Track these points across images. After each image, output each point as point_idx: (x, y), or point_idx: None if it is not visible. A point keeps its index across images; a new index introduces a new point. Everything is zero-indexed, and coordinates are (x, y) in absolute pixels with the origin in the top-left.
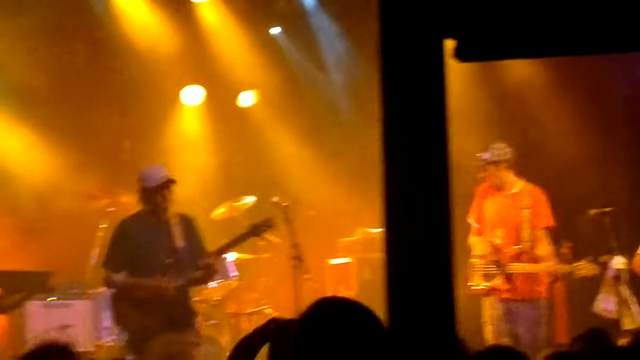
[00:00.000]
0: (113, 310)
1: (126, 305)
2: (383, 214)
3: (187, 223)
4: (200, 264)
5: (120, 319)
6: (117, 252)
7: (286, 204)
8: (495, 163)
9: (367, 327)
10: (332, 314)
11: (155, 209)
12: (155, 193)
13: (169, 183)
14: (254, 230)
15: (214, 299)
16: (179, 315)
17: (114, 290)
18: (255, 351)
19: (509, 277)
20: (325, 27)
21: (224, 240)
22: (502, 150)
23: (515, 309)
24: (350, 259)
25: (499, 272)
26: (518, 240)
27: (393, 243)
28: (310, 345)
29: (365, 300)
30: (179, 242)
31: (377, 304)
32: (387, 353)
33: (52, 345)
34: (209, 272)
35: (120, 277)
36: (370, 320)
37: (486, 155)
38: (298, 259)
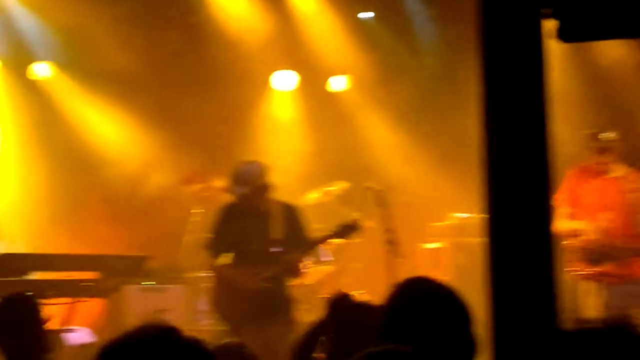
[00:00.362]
0: (210, 296)
1: (222, 292)
2: (484, 198)
3: (290, 213)
4: (283, 260)
5: (217, 305)
6: (218, 237)
7: (380, 188)
8: (617, 145)
9: (453, 308)
10: (419, 294)
11: (251, 205)
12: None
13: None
14: (341, 231)
15: (308, 283)
16: (273, 304)
17: (212, 275)
18: (316, 341)
19: (623, 261)
20: (418, 11)
21: (316, 226)
22: (615, 132)
23: (627, 292)
24: (443, 243)
25: (612, 255)
26: (628, 224)
27: (494, 227)
28: (397, 325)
29: (460, 286)
30: (277, 233)
31: (472, 289)
32: (471, 333)
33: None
34: (293, 269)
35: (217, 263)
36: (456, 301)
37: (611, 136)
38: (392, 243)
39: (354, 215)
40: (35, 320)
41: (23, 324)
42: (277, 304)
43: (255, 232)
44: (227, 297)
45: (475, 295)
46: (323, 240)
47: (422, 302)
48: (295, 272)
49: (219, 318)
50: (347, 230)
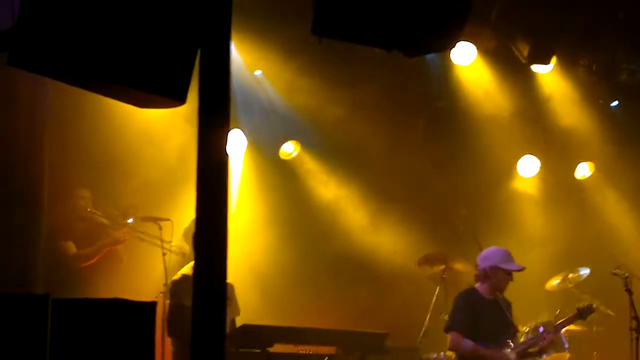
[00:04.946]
0: None
1: None
2: None
3: (508, 305)
4: (542, 337)
5: None
6: (464, 319)
7: (627, 275)
8: None
9: None
10: None
11: (497, 288)
12: (506, 276)
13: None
14: (580, 314)
15: None
16: None
17: (462, 353)
18: None
19: None
20: None
21: (556, 312)
22: None
23: None
24: None
25: None
26: None
27: None
28: None
29: None
30: (510, 317)
31: None
32: None
33: None
34: (548, 346)
35: (469, 342)
36: None
37: None
38: (637, 331)
39: (594, 301)
40: None
41: None
42: None
43: (496, 317)
44: None
45: None
46: (566, 322)
47: None
48: (548, 350)
49: None
50: (586, 313)
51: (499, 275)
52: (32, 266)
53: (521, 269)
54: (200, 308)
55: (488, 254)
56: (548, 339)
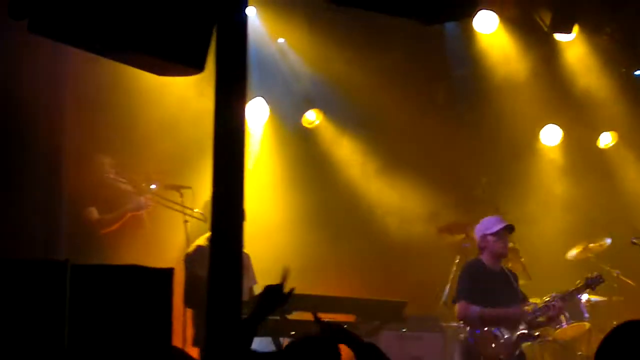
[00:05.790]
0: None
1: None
2: None
3: (514, 276)
4: (551, 306)
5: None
6: (471, 287)
7: None
8: None
9: None
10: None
11: (496, 255)
12: (496, 240)
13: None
14: (588, 284)
15: (565, 339)
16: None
17: (471, 320)
18: None
19: None
20: None
21: (575, 282)
22: None
23: None
24: None
25: None
26: None
27: None
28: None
29: None
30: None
31: None
32: None
33: None
34: (557, 314)
35: (476, 307)
36: None
37: None
38: None
39: (613, 272)
40: None
41: None
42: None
43: (504, 286)
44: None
45: None
46: (573, 293)
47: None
48: (553, 321)
49: None
50: (594, 283)
51: (489, 242)
52: (56, 233)
53: (506, 225)
54: (217, 274)
55: (478, 225)
56: (557, 307)
